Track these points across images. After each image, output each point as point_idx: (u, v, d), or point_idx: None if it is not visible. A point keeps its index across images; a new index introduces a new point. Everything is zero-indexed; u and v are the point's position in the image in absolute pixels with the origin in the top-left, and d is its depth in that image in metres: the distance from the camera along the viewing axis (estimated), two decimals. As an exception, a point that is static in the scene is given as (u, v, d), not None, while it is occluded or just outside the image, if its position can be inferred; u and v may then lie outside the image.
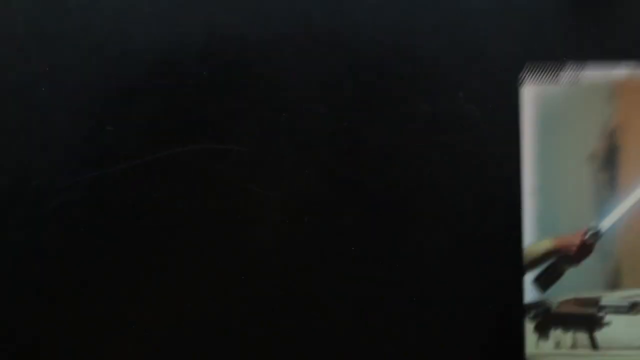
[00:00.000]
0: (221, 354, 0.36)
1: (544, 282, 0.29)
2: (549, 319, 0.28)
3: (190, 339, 0.36)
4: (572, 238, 0.28)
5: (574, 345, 0.28)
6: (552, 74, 0.29)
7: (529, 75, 0.29)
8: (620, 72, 0.28)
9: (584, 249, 0.28)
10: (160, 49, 0.37)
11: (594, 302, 0.28)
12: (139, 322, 0.36)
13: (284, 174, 0.36)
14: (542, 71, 0.29)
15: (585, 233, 0.28)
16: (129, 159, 0.36)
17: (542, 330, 0.28)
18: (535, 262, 0.28)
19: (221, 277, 0.36)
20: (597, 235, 0.28)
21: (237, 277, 0.36)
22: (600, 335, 0.28)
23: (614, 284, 0.28)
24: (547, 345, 0.28)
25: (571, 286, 0.28)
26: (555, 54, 0.37)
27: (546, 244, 0.28)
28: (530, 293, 0.28)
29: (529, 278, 0.29)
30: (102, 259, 0.36)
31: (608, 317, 0.28)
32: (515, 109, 0.35)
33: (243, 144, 0.36)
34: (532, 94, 0.29)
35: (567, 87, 0.29)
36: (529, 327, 0.28)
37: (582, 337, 0.28)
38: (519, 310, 0.28)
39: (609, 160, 0.28)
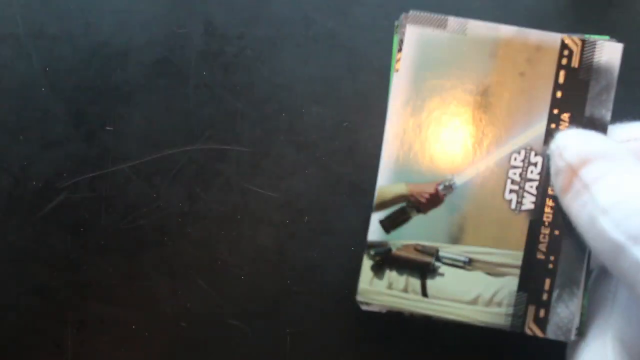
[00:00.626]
0: (222, 351, 0.36)
1: (389, 224, 0.29)
2: (387, 260, 0.29)
3: (192, 336, 0.36)
4: (426, 187, 0.29)
5: (405, 289, 0.28)
6: (440, 21, 0.29)
7: (415, 18, 0.29)
8: (506, 31, 0.29)
9: (434, 200, 0.29)
10: (160, 49, 0.37)
11: (433, 252, 0.28)
12: (139, 322, 0.36)
13: (284, 174, 0.36)
14: (430, 17, 0.29)
15: (439, 184, 0.28)
16: (129, 159, 0.36)
17: (379, 269, 0.29)
18: (386, 204, 0.29)
19: (221, 277, 0.36)
20: (449, 188, 0.29)
21: (238, 277, 0.36)
22: (432, 283, 0.28)
23: (456, 238, 0.28)
24: (381, 284, 0.29)
25: (415, 233, 0.29)
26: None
27: (400, 188, 0.29)
28: (375, 232, 0.29)
29: (377, 217, 0.29)
30: (102, 259, 0.36)
31: (443, 269, 0.28)
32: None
33: (243, 144, 0.36)
34: (414, 35, 0.29)
35: (453, 35, 0.29)
36: (368, 263, 0.28)
37: (415, 282, 0.28)
38: (362, 247, 0.29)
39: (477, 117, 0.29)
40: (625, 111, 0.30)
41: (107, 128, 0.36)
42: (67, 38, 0.37)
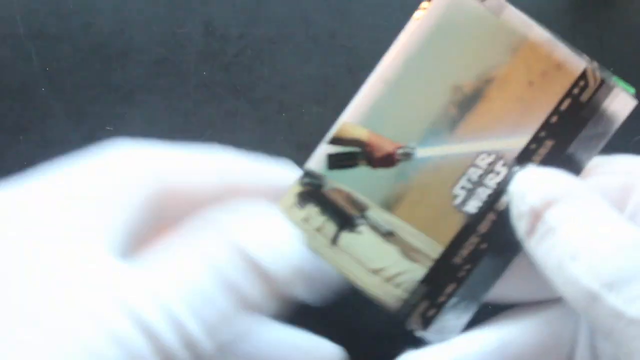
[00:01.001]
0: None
1: (335, 161, 0.28)
2: (315, 195, 0.27)
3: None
4: (387, 143, 0.27)
5: (318, 230, 0.27)
6: None
7: None
8: (538, 33, 0.28)
9: (388, 160, 0.27)
10: (160, 49, 0.37)
11: (362, 208, 0.27)
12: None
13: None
14: None
15: (400, 147, 0.28)
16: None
17: (302, 199, 0.27)
18: (341, 141, 0.28)
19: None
20: (407, 155, 0.28)
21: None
22: (345, 236, 0.27)
23: (389, 206, 0.27)
24: (298, 214, 0.27)
25: (354, 182, 0.28)
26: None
27: (361, 133, 0.27)
28: (317, 163, 0.28)
29: (326, 149, 0.28)
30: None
31: (363, 228, 0.27)
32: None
33: (243, 144, 0.36)
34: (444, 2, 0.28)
35: (486, 12, 0.28)
36: (296, 189, 0.27)
37: (330, 228, 0.27)
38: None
39: (466, 103, 0.28)
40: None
41: (107, 128, 0.36)
42: (67, 38, 0.37)
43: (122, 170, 0.22)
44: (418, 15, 0.28)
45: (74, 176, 0.22)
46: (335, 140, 0.28)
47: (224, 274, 0.20)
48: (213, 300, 0.20)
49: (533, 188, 0.25)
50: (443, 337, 0.27)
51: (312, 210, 0.28)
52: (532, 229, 0.25)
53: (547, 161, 0.27)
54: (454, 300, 0.27)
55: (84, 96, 0.37)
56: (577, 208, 0.24)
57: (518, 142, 0.27)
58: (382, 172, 0.28)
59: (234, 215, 0.22)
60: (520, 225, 0.26)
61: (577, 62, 0.28)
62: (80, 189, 0.21)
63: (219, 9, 0.38)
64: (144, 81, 0.37)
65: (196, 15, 0.37)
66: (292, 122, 0.36)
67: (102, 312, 0.18)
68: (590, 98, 0.28)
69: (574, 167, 0.27)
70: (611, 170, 0.27)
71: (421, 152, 0.28)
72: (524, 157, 0.27)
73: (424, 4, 0.28)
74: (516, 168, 0.27)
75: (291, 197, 0.27)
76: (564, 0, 0.38)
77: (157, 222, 0.23)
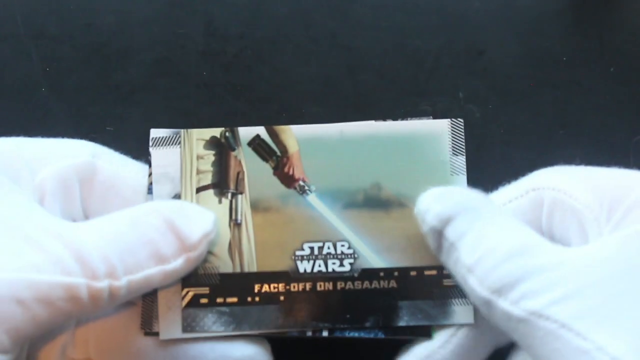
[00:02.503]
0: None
1: (256, 144, 0.30)
2: (221, 148, 0.30)
3: None
4: (298, 170, 0.30)
5: (199, 171, 0.30)
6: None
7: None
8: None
9: (288, 179, 0.30)
10: (160, 49, 0.37)
11: (237, 189, 0.30)
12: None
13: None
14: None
15: (304, 181, 0.30)
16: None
17: (212, 143, 0.30)
18: (275, 136, 0.30)
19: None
20: (302, 190, 0.30)
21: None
22: (208, 194, 0.30)
23: (255, 207, 0.30)
24: (199, 149, 0.30)
25: (253, 169, 0.30)
26: (556, 54, 0.37)
27: (292, 145, 0.30)
28: (247, 133, 0.30)
29: (260, 131, 0.30)
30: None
31: (225, 201, 0.30)
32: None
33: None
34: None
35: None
36: (216, 132, 0.30)
37: (207, 177, 0.30)
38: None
39: (370, 202, 0.30)
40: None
41: (107, 128, 0.36)
42: (67, 38, 0.37)
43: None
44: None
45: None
46: (271, 133, 0.30)
47: (145, 231, 0.26)
48: (133, 249, 0.25)
49: (431, 208, 0.27)
50: (187, 326, 0.29)
51: (210, 155, 0.30)
52: (438, 246, 0.28)
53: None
54: (220, 309, 0.29)
55: (84, 96, 0.36)
56: (471, 221, 0.27)
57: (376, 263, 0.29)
58: (276, 182, 0.30)
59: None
60: (430, 242, 0.28)
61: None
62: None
63: (219, 9, 0.38)
64: (144, 81, 0.37)
65: (196, 15, 0.37)
66: (292, 122, 0.36)
67: (48, 244, 0.24)
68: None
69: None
70: (517, 192, 0.29)
71: (312, 199, 0.30)
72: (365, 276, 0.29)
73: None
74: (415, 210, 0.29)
75: (206, 135, 0.30)
76: (564, 0, 0.38)
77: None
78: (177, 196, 0.30)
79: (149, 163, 0.30)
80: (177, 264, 0.27)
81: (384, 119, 0.30)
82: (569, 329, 0.23)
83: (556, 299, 0.24)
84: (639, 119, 0.36)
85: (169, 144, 0.30)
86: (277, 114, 0.36)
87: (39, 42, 0.37)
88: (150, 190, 0.30)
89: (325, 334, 0.29)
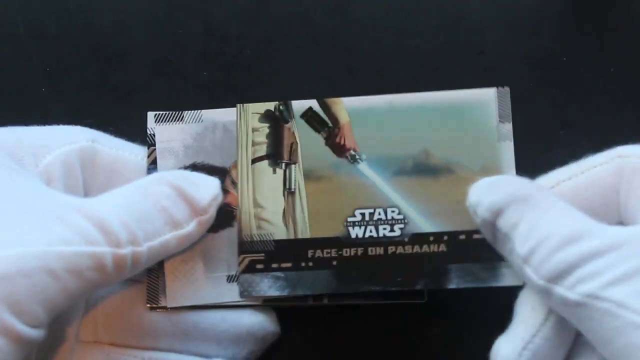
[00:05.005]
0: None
1: (308, 115, 0.32)
2: (275, 120, 0.32)
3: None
4: (350, 140, 0.31)
5: (254, 143, 0.32)
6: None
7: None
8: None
9: (339, 149, 0.31)
10: (160, 49, 0.37)
11: (291, 159, 0.31)
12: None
13: (284, 174, 0.36)
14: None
15: (355, 150, 0.31)
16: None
17: (266, 117, 0.32)
18: (327, 108, 0.32)
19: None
20: (353, 159, 0.31)
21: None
22: (263, 165, 0.31)
23: (308, 176, 0.31)
24: (255, 122, 0.32)
25: (307, 140, 0.31)
26: (556, 54, 0.37)
27: (343, 116, 0.31)
28: (300, 106, 0.32)
29: (312, 104, 0.32)
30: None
31: (279, 171, 0.31)
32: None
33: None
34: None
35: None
36: (270, 106, 0.32)
37: (262, 149, 0.32)
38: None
39: (420, 168, 0.31)
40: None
41: (107, 128, 0.36)
42: (67, 38, 0.37)
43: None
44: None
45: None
46: (323, 105, 0.31)
47: (157, 199, 0.27)
48: (150, 218, 0.27)
49: (481, 201, 0.27)
50: (244, 291, 0.30)
51: (264, 127, 0.31)
52: (493, 237, 0.28)
53: None
54: (275, 274, 0.30)
55: (84, 96, 0.37)
56: (523, 211, 0.27)
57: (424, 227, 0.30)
58: (328, 152, 0.31)
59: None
60: (484, 233, 0.28)
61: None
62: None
63: (219, 9, 0.38)
64: (144, 81, 0.37)
65: (196, 15, 0.37)
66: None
67: (71, 218, 0.25)
68: None
69: None
70: (603, 159, 0.29)
71: (363, 167, 0.31)
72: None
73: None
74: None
75: (260, 109, 0.32)
76: (564, 0, 0.38)
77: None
78: (181, 169, 0.31)
79: (147, 145, 0.32)
80: (190, 228, 0.28)
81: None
82: (626, 307, 0.23)
83: (612, 279, 0.24)
84: (639, 119, 0.36)
85: (171, 120, 0.32)
86: (277, 114, 0.36)
87: (39, 42, 0.37)
88: (149, 171, 0.31)
89: (325, 301, 0.31)
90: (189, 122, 0.32)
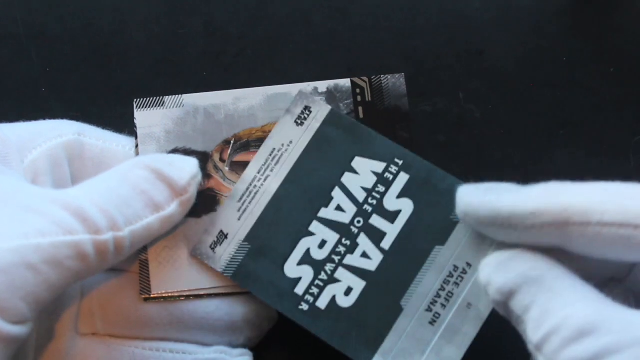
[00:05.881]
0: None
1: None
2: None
3: None
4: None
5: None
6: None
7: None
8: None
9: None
10: (160, 49, 0.37)
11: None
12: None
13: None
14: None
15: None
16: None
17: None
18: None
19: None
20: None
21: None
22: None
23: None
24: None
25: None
26: (556, 54, 0.37)
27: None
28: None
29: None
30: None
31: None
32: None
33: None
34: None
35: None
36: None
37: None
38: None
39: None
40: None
41: (107, 128, 0.36)
42: (67, 38, 0.37)
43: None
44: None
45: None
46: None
47: (136, 183, 0.27)
48: (130, 202, 0.27)
49: (492, 282, 0.26)
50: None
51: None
52: (508, 316, 0.27)
53: None
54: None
55: (84, 96, 0.36)
56: (533, 296, 0.25)
57: None
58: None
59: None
60: (499, 311, 0.27)
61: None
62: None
63: (219, 9, 0.38)
64: (144, 81, 0.37)
65: (196, 15, 0.37)
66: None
67: (48, 208, 0.25)
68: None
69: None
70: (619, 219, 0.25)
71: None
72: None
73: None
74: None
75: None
76: (564, 0, 0.38)
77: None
78: None
79: (135, 135, 0.32)
80: (172, 209, 0.28)
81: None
82: None
83: None
84: (639, 119, 0.36)
85: (152, 106, 0.32)
86: (277, 114, 0.36)
87: (39, 42, 0.37)
88: None
89: None
90: (170, 107, 0.32)
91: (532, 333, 0.25)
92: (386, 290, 0.29)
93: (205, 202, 0.31)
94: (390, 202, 0.30)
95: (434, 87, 0.37)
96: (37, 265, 0.23)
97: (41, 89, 0.37)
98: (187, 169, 0.28)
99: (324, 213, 0.30)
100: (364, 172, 0.31)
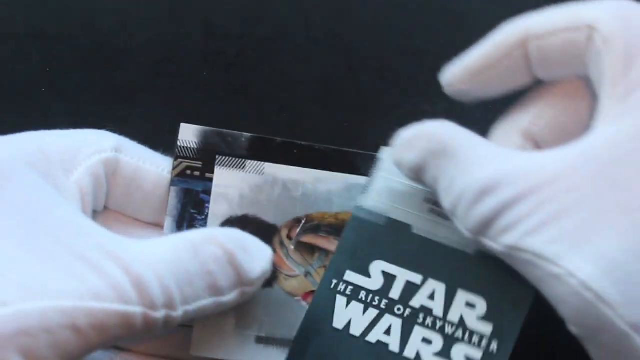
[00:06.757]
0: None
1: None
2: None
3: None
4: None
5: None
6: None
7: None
8: None
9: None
10: (160, 49, 0.37)
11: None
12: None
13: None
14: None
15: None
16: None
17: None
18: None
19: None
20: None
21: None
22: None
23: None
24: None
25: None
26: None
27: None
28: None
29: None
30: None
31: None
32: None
33: (243, 144, 0.36)
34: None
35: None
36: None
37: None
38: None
39: None
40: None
41: (107, 128, 0.36)
42: (67, 38, 0.37)
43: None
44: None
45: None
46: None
47: (206, 261, 0.25)
48: (193, 280, 0.25)
49: (402, 161, 0.28)
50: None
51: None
52: (427, 187, 0.28)
53: None
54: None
55: (84, 96, 0.37)
56: (439, 168, 0.27)
57: None
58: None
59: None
60: (418, 183, 0.29)
61: None
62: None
63: (219, 9, 0.38)
64: (144, 81, 0.37)
65: (196, 15, 0.37)
66: (292, 122, 0.36)
67: (107, 268, 0.24)
68: None
69: None
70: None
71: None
72: None
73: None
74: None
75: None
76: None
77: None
78: (231, 218, 0.31)
79: (175, 157, 0.31)
80: (232, 297, 0.26)
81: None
82: (543, 258, 0.23)
83: (529, 229, 0.24)
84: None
85: (232, 167, 0.31)
86: (277, 114, 0.36)
87: (39, 42, 0.37)
88: (174, 184, 0.31)
89: None
90: (250, 172, 0.31)
91: (444, 201, 0.26)
92: None
93: None
94: None
95: (434, 87, 0.36)
96: (84, 328, 0.23)
97: (41, 89, 0.37)
98: (261, 262, 0.27)
99: None
100: None
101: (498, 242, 0.25)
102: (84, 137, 0.29)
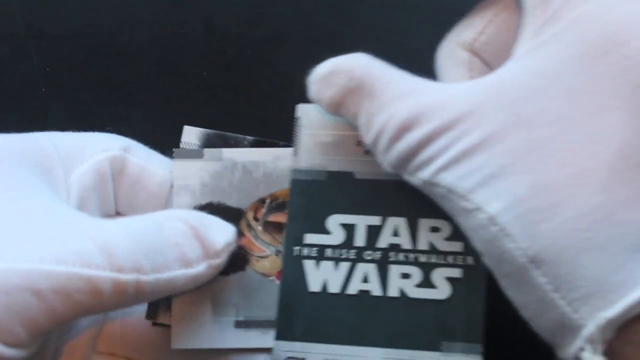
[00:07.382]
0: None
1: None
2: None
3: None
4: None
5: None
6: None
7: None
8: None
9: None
10: (160, 49, 0.37)
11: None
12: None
13: (284, 174, 0.36)
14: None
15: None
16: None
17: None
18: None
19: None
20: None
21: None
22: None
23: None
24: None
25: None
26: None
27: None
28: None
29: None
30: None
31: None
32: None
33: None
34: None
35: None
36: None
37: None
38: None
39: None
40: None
41: (107, 128, 0.36)
42: (67, 38, 0.37)
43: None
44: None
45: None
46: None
47: (172, 234, 0.26)
48: (161, 250, 0.26)
49: (320, 99, 0.28)
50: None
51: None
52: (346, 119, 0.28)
53: None
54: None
55: (84, 96, 0.37)
56: (357, 105, 0.27)
57: None
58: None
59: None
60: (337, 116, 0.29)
61: None
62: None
63: (219, 9, 0.38)
64: (144, 81, 0.37)
65: (196, 15, 0.37)
66: (292, 122, 0.36)
67: (72, 237, 0.24)
68: None
69: None
70: None
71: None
72: None
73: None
74: None
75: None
76: None
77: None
78: (196, 208, 0.31)
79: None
80: (200, 269, 0.27)
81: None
82: (455, 192, 0.25)
83: (443, 165, 0.25)
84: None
85: (191, 157, 0.31)
86: (277, 114, 0.36)
87: (39, 42, 0.37)
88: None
89: None
90: (208, 160, 0.31)
91: (365, 137, 0.27)
92: None
93: (235, 261, 0.30)
94: None
95: (434, 87, 0.37)
96: (44, 292, 0.23)
97: (41, 89, 0.37)
98: (223, 234, 0.28)
99: None
100: None
101: (416, 177, 0.26)
102: (93, 136, 0.30)
